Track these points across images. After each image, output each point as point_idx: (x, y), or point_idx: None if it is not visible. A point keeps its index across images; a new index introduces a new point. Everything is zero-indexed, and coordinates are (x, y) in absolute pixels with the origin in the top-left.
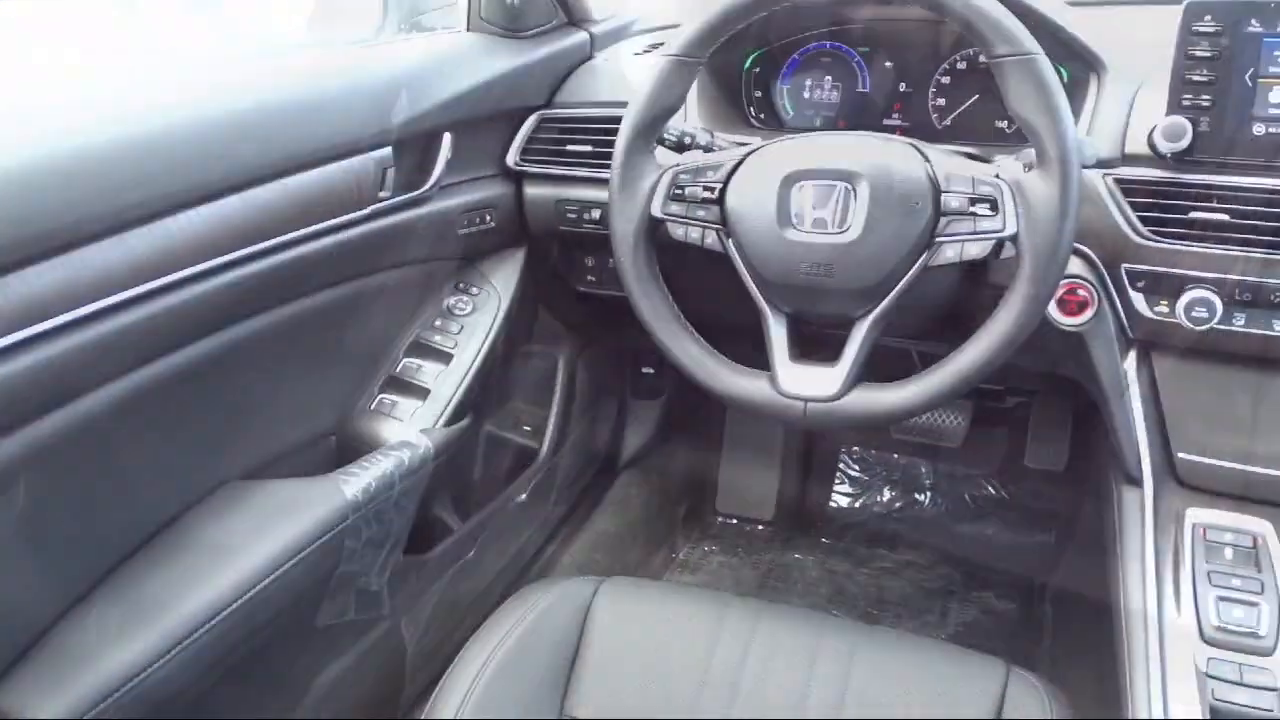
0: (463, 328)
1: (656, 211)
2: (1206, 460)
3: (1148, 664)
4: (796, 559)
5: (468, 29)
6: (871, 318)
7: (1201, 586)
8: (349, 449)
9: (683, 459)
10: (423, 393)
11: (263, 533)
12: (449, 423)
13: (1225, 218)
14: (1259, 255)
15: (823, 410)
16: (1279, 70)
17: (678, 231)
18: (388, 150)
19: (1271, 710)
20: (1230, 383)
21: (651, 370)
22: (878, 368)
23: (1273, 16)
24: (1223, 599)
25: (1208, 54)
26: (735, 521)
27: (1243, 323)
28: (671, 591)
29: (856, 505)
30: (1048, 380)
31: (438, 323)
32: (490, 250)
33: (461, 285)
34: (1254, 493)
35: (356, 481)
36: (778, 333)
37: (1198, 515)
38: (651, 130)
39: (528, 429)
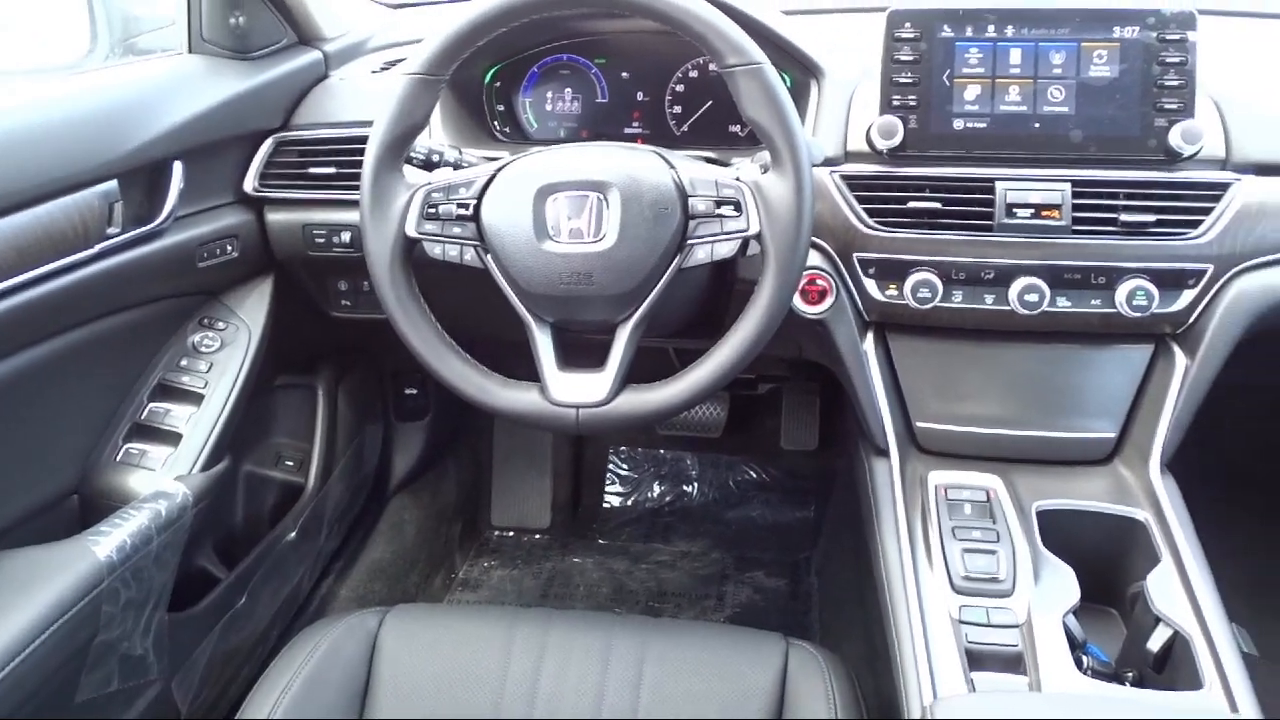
0: (212, 365)
1: (411, 231)
2: (941, 427)
3: (909, 618)
4: (576, 563)
5: (189, 51)
6: (633, 321)
7: (948, 542)
8: (95, 506)
9: (454, 477)
10: (174, 438)
11: (4, 609)
12: (206, 467)
13: (937, 205)
14: (968, 238)
15: (594, 415)
16: (970, 71)
17: (435, 250)
18: (112, 184)
19: (1016, 645)
20: (955, 355)
21: (415, 390)
22: (640, 368)
23: (961, 23)
24: (967, 550)
25: (910, 58)
26: (512, 534)
27: (960, 299)
28: (459, 613)
29: (629, 503)
30: (796, 366)
31: (184, 362)
32: (235, 281)
33: (206, 320)
34: (982, 451)
35: (109, 541)
36: (544, 343)
37: (939, 477)
38: (399, 149)
39: (290, 464)
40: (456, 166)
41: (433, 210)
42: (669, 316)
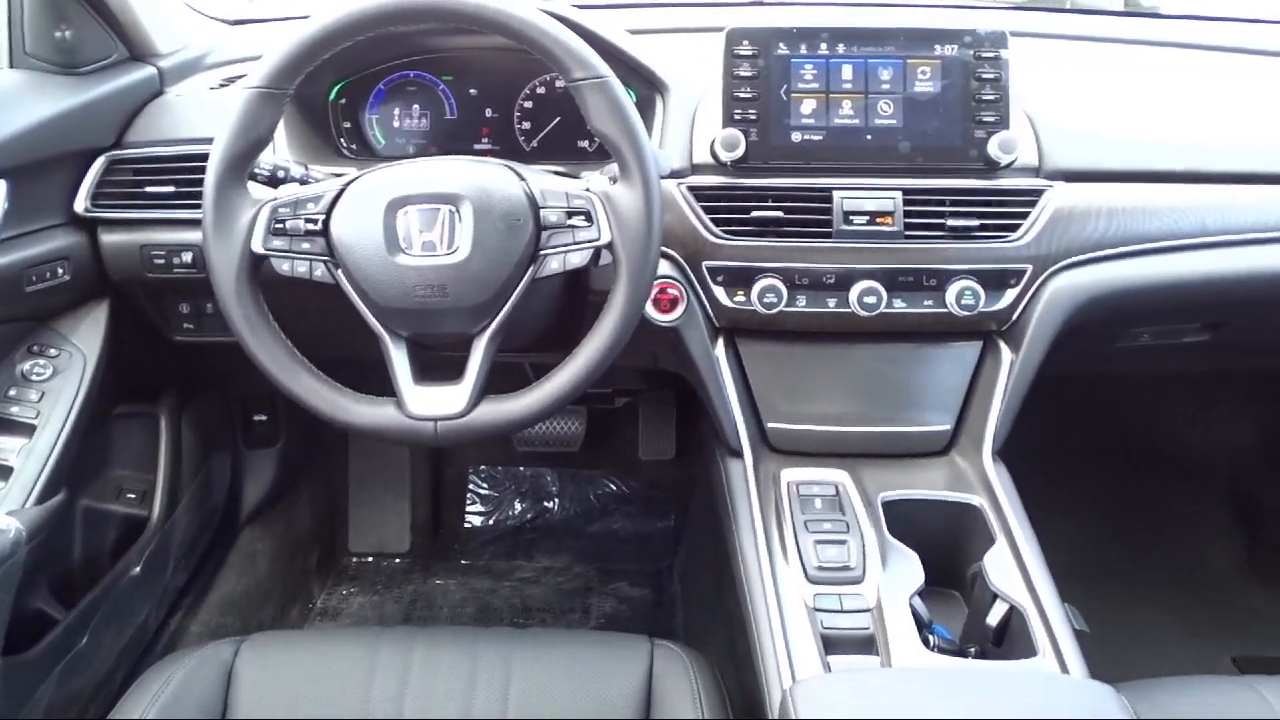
0: (43, 395)
1: (258, 247)
2: (791, 426)
3: (767, 609)
4: (439, 584)
5: (10, 66)
6: (489, 332)
7: (801, 535)
8: None
9: (308, 504)
10: (3, 471)
11: None
12: (40, 500)
13: (780, 214)
14: (810, 244)
15: (453, 427)
16: (806, 86)
17: (283, 266)
18: None
19: (868, 628)
20: (802, 357)
21: (265, 416)
22: (497, 385)
23: (796, 41)
24: (819, 542)
25: (749, 74)
26: (372, 559)
27: (805, 303)
28: (319, 637)
29: (491, 522)
30: (651, 377)
31: (12, 392)
32: (67, 307)
33: (36, 348)
34: (831, 448)
35: None
36: (399, 357)
37: (791, 474)
38: (243, 165)
39: (133, 496)
40: (303, 183)
41: (280, 226)
42: (524, 329)
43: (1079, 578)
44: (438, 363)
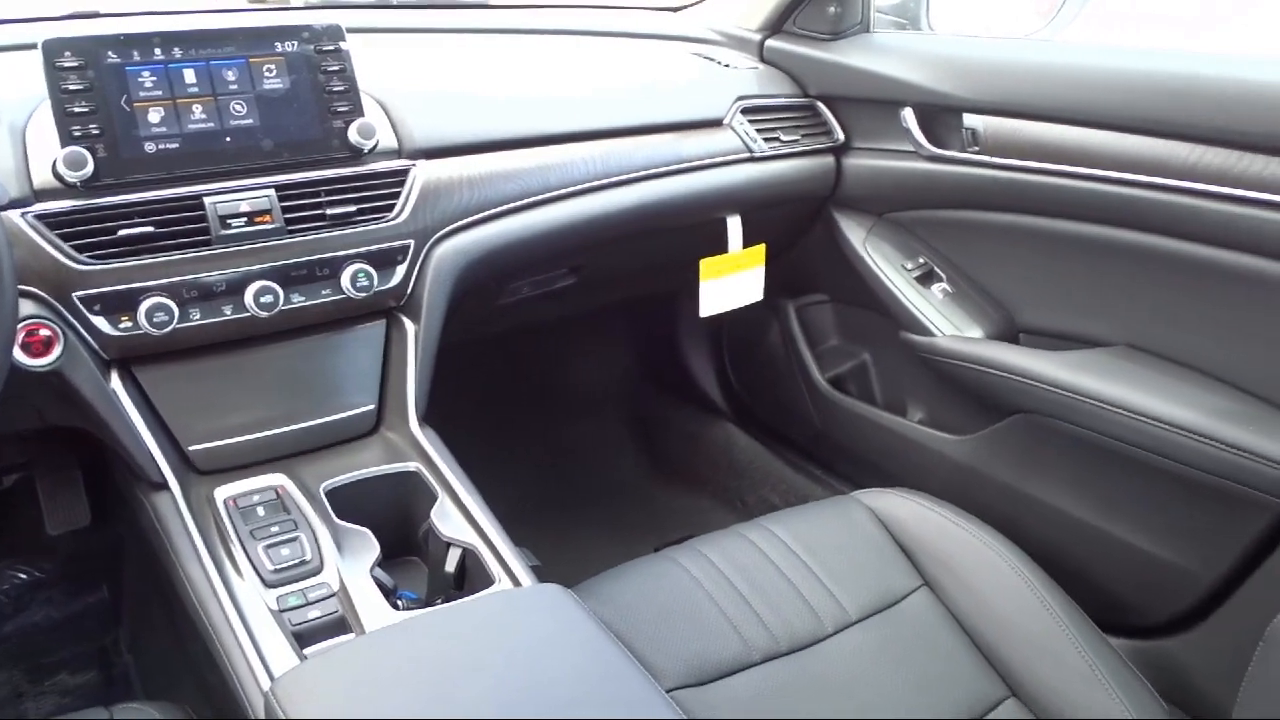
0: None
1: None
2: (215, 444)
3: (232, 630)
4: None
5: None
6: None
7: (250, 546)
8: None
9: None
10: None
11: None
12: None
13: (150, 229)
14: (191, 255)
15: None
16: (148, 94)
17: None
18: None
19: (336, 610)
20: (211, 371)
21: None
22: None
23: (125, 48)
24: (269, 546)
25: (80, 86)
26: None
27: (199, 316)
28: None
29: None
30: (40, 442)
31: None
32: None
33: None
34: (262, 456)
35: None
36: None
37: (225, 491)
38: None
39: None
40: None
41: None
42: None
43: (526, 521)
44: None
